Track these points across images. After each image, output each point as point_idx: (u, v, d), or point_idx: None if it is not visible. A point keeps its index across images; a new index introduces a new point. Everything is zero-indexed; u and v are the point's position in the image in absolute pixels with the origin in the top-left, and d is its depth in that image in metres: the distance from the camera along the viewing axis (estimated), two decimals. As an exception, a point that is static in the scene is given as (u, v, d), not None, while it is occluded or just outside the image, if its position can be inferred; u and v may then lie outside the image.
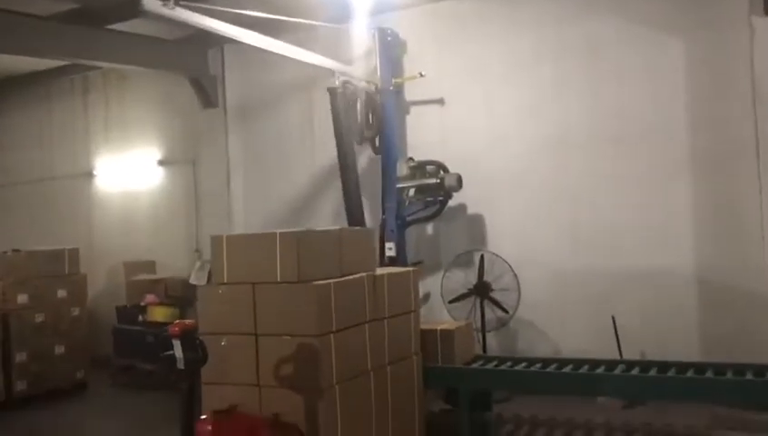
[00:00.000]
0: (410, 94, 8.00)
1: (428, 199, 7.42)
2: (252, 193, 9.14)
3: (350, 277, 4.82)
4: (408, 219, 7.61)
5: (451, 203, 7.42)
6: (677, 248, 6.69)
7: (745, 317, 6.37)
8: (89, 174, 10.55)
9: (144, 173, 10.04)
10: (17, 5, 6.89)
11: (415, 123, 8.02)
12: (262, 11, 6.84)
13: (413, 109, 8.04)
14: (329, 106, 7.39)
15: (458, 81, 7.75)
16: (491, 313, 7.05)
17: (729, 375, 5.24)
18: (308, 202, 8.68)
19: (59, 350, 8.15)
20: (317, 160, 8.56)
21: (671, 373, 5.39)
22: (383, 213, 7.52)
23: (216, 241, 4.80)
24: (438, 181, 7.26)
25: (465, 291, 7.07)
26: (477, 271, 7.05)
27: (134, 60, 8.32)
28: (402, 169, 7.44)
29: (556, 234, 7.23)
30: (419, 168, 7.44)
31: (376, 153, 7.78)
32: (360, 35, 7.92)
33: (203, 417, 4.30)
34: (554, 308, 7.17)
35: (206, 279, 7.59)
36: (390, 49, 7.81)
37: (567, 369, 5.73)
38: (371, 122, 7.62)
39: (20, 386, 7.71)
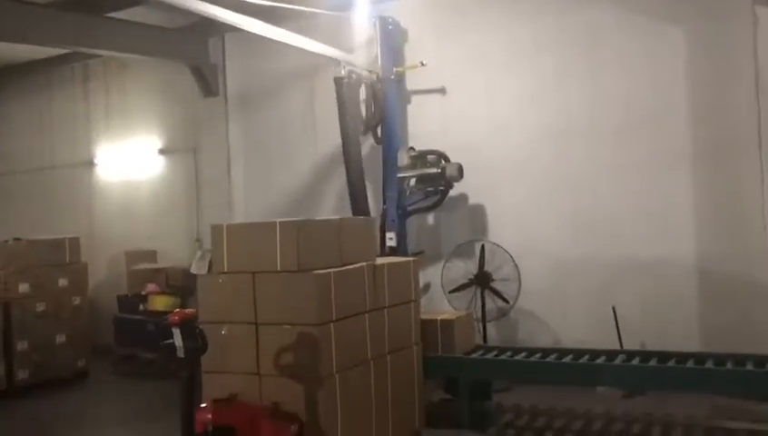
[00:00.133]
0: (411, 83, 7.96)
1: (429, 189, 7.40)
2: (253, 182, 9.12)
3: (350, 267, 4.82)
4: (409, 209, 7.60)
5: (452, 192, 7.41)
6: (678, 238, 6.67)
7: (746, 307, 6.35)
8: (90, 163, 10.54)
9: (145, 162, 10.03)
10: (17, -7, 6.87)
11: (416, 112, 7.99)
12: (263, -2, 6.80)
13: (414, 98, 8.00)
14: (330, 95, 7.37)
15: (460, 70, 7.71)
16: (491, 303, 7.05)
17: (729, 365, 5.25)
18: (309, 191, 8.66)
19: (60, 339, 8.15)
20: (318, 149, 8.54)
21: (671, 363, 5.40)
22: (384, 203, 7.51)
23: (216, 230, 4.81)
24: (439, 170, 7.24)
25: (465, 281, 7.07)
26: (477, 261, 7.05)
27: (135, 48, 8.28)
28: (403, 159, 7.41)
29: (556, 224, 7.22)
30: (420, 158, 7.42)
31: (377, 142, 7.76)
32: (361, 24, 7.87)
33: (203, 405, 4.31)
34: (554, 298, 7.17)
35: (207, 268, 7.60)
36: (392, 38, 7.77)
37: (567, 359, 5.75)
38: (374, 111, 7.60)
39: (21, 375, 7.72)
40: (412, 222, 7.79)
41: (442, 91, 7.81)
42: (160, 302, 8.31)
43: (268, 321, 4.53)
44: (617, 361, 5.60)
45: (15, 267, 7.90)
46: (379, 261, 5.29)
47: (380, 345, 5.03)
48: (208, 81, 9.01)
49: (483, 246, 7.07)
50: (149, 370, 8.01)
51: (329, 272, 4.54)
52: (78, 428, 6.51)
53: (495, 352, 6.10)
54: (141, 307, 8.57)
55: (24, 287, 7.88)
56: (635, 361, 5.53)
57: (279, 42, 6.85)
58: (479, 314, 6.92)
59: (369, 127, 7.68)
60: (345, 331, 4.61)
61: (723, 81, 6.52)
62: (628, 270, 6.83)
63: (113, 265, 9.96)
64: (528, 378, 6.20)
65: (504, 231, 7.36)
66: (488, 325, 7.02)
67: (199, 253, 8.70)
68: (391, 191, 7.44)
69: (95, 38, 7.77)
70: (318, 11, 7.63)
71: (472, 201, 7.65)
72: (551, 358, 5.81)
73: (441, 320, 5.95)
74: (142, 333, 8.10)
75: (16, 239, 8.17)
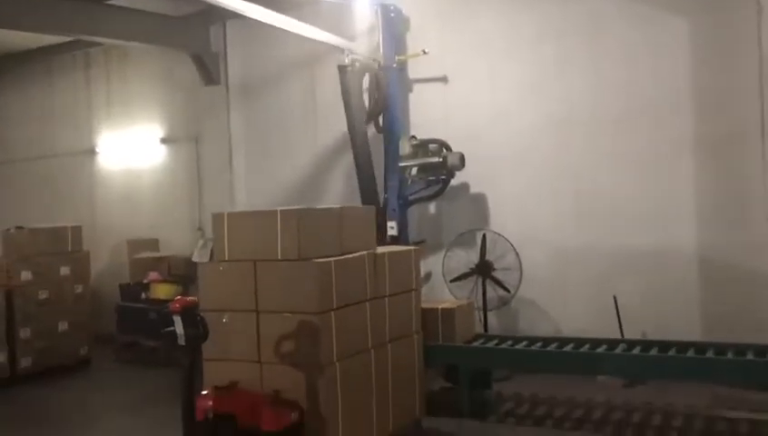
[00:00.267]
0: (413, 71, 7.93)
1: (431, 178, 7.39)
2: (255, 171, 9.11)
3: (351, 255, 4.82)
4: (411, 198, 7.59)
5: (454, 181, 7.40)
6: (679, 227, 6.66)
7: (747, 297, 6.35)
8: (91, 152, 10.54)
9: (147, 151, 10.02)
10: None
11: (418, 100, 7.96)
12: (265, -15, 6.76)
13: (416, 87, 7.97)
14: (331, 83, 7.34)
15: (462, 58, 7.68)
16: (493, 292, 7.06)
17: (730, 355, 5.25)
18: (311, 179, 8.65)
19: (63, 327, 8.19)
20: (320, 137, 8.53)
21: (672, 353, 5.41)
22: (385, 192, 7.50)
23: (217, 218, 4.81)
24: (441, 159, 7.22)
25: (467, 270, 7.07)
26: (479, 250, 7.04)
27: (135, 36, 8.25)
28: (405, 147, 7.39)
29: (557, 213, 7.21)
30: (422, 146, 7.40)
31: (379, 131, 7.74)
32: (363, 12, 7.84)
33: (204, 393, 4.33)
34: (555, 287, 7.17)
35: (209, 257, 7.59)
36: (393, 26, 7.72)
37: (568, 348, 5.76)
38: (377, 100, 7.57)
39: (24, 363, 7.75)
40: (413, 212, 7.79)
41: (444, 79, 7.78)
42: (162, 291, 8.32)
43: (269, 309, 4.54)
44: (618, 350, 5.61)
45: (17, 255, 7.92)
46: (381, 250, 5.29)
47: (381, 334, 5.03)
48: (209, 69, 8.99)
49: (484, 235, 7.07)
50: (151, 358, 8.05)
51: (330, 261, 4.54)
52: (81, 415, 6.55)
53: (495, 341, 6.12)
54: (143, 295, 8.58)
55: (26, 275, 7.91)
56: (636, 351, 5.54)
57: (280, 30, 6.81)
58: (480, 303, 6.92)
59: (373, 116, 7.65)
60: (346, 320, 4.61)
61: (726, 70, 6.48)
62: (629, 259, 6.83)
63: (115, 254, 9.98)
64: (529, 367, 6.22)
65: (505, 220, 7.35)
66: (489, 314, 7.03)
67: (201, 242, 8.70)
68: (393, 180, 7.43)
69: (95, 26, 7.75)
70: (319, -2, 7.60)
71: (474, 190, 7.63)
72: (552, 347, 5.82)
73: (442, 309, 5.96)
74: (145, 321, 8.13)
75: (18, 227, 8.18)
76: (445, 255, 7.27)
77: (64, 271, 8.29)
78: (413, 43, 7.85)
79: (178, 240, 9.44)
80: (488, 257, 6.99)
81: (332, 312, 4.50)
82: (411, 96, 8.00)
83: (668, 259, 6.68)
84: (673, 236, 6.67)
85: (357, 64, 7.36)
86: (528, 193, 7.34)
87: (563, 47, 7.16)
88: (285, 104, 8.83)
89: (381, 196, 7.57)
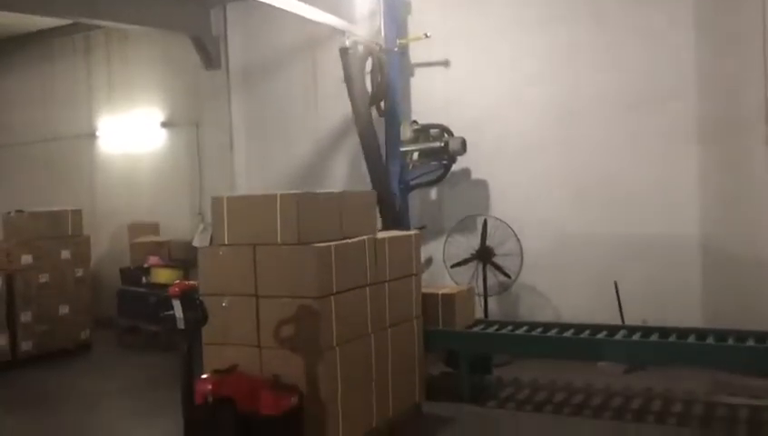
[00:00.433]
0: (415, 55, 7.88)
1: (432, 163, 7.35)
2: (256, 155, 9.08)
3: (351, 240, 4.80)
4: (412, 183, 7.56)
5: (455, 167, 7.36)
6: (682, 214, 6.63)
7: (749, 284, 6.33)
8: (91, 135, 10.50)
9: (147, 135, 9.98)
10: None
11: (419, 85, 7.91)
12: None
13: (417, 71, 7.92)
14: (333, 67, 7.27)
15: (464, 42, 7.61)
16: (493, 278, 7.05)
17: (730, 341, 5.25)
18: (312, 163, 8.62)
19: (63, 310, 8.20)
20: (321, 121, 8.49)
21: (672, 339, 5.40)
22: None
23: (217, 202, 4.79)
24: (442, 144, 7.18)
25: (467, 255, 7.05)
26: (479, 236, 7.02)
27: (135, 19, 8.18)
28: (406, 132, 7.36)
29: (559, 199, 7.18)
30: (423, 131, 7.36)
31: (380, 115, 7.69)
32: (365, -5, 7.78)
33: (204, 376, 4.33)
34: (556, 273, 7.15)
35: (209, 241, 7.59)
36: (395, 9, 7.66)
37: (568, 333, 5.76)
38: (379, 83, 7.51)
39: (25, 346, 7.78)
40: (414, 197, 7.76)
41: (446, 63, 7.73)
42: (162, 275, 8.32)
43: (268, 293, 4.52)
44: (618, 336, 5.60)
45: (18, 239, 7.93)
46: (381, 235, 5.27)
47: (381, 319, 5.03)
48: (209, 53, 8.92)
49: (485, 221, 7.05)
50: (151, 341, 8.07)
51: (330, 245, 4.53)
52: (81, 398, 6.57)
53: (496, 327, 6.11)
54: (143, 280, 8.59)
55: (26, 259, 7.92)
56: (636, 337, 5.53)
57: (280, 12, 6.77)
58: (481, 289, 6.91)
59: (375, 100, 7.60)
60: (346, 305, 4.60)
61: (731, 55, 6.41)
62: (631, 245, 6.80)
63: (115, 238, 9.98)
64: (529, 352, 6.21)
65: (506, 206, 7.32)
66: (490, 300, 7.02)
67: (201, 226, 8.71)
68: (394, 165, 7.40)
69: (95, 8, 7.68)
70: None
71: (475, 175, 7.60)
72: (552, 332, 5.82)
73: (442, 294, 5.96)
74: (145, 306, 8.14)
75: (18, 211, 8.17)
76: (446, 241, 7.25)
77: (65, 254, 8.29)
78: (415, 26, 7.79)
79: (178, 224, 9.43)
80: (489, 243, 6.98)
81: (332, 297, 4.49)
82: (413, 81, 7.95)
83: (670, 245, 6.66)
84: (675, 223, 6.64)
85: (359, 47, 7.30)
86: (530, 179, 7.31)
87: (567, 32, 7.09)
88: (286, 88, 8.78)
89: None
